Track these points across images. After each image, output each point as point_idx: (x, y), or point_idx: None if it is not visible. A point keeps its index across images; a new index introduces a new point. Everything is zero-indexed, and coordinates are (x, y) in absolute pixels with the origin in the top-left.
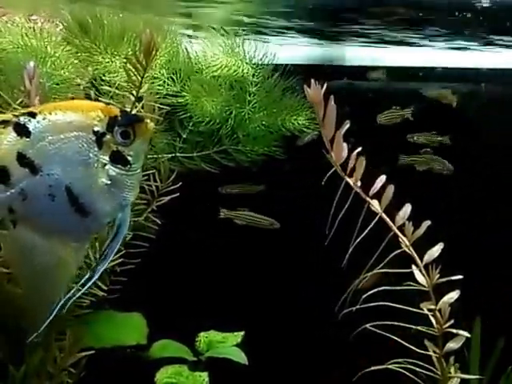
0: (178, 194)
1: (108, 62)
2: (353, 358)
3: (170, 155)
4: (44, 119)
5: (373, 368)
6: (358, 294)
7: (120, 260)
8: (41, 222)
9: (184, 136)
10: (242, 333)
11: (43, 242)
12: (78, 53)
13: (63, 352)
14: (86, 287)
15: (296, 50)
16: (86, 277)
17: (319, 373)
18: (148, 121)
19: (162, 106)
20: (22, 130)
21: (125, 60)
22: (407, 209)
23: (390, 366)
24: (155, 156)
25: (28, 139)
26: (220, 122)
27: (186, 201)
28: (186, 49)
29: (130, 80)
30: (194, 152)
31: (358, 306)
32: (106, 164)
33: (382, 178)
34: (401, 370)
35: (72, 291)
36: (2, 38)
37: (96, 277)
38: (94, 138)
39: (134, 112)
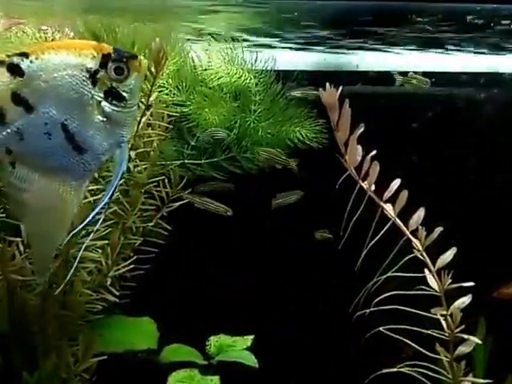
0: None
1: None
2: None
3: (178, 161)
4: (37, 59)
5: (384, 371)
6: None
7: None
8: (39, 160)
9: (192, 143)
10: (252, 336)
11: (42, 182)
12: None
13: (76, 357)
14: (85, 222)
15: (299, 56)
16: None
17: (330, 376)
18: (141, 57)
19: (170, 114)
20: (15, 70)
21: None
22: (421, 213)
23: (401, 370)
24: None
25: (22, 79)
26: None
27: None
28: (193, 59)
29: None
30: (203, 159)
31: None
32: (101, 101)
33: (397, 182)
34: (412, 373)
35: (77, 229)
36: (13, 47)
37: (95, 212)
38: (87, 76)
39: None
